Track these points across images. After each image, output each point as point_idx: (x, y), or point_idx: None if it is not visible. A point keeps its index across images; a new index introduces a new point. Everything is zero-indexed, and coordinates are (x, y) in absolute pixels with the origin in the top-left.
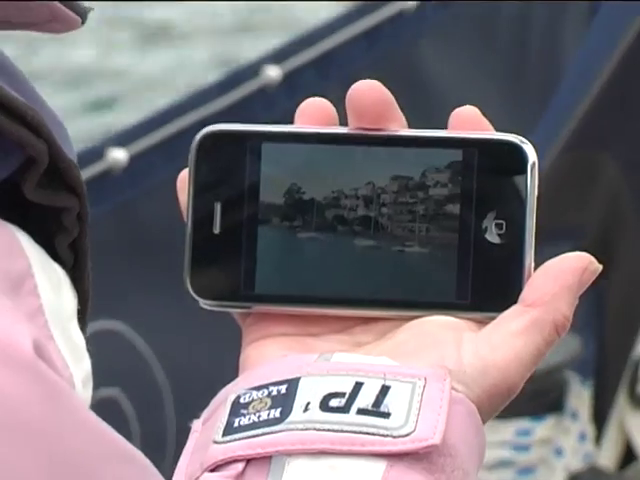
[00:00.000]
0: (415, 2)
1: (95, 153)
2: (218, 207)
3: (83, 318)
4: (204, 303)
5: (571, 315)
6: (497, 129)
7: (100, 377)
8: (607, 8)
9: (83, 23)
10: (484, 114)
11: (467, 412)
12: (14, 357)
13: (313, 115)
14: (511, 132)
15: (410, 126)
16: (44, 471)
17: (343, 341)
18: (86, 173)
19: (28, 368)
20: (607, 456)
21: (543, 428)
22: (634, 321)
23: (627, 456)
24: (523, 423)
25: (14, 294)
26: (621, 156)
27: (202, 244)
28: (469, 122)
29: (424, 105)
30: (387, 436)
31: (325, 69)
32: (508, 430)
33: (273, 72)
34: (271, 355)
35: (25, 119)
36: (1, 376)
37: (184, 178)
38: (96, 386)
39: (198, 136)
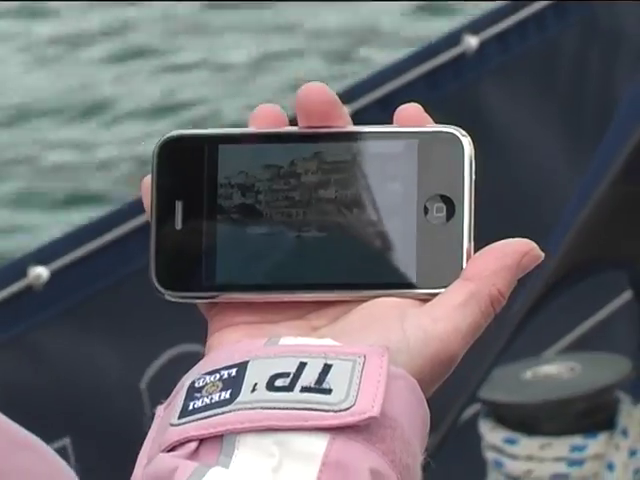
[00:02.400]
0: (477, 43)
1: None
2: (179, 205)
3: None
4: (170, 295)
5: (507, 293)
6: (555, 165)
7: None
8: None
9: None
10: (541, 150)
11: (407, 386)
12: None
13: (265, 118)
14: (568, 169)
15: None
16: None
17: (299, 326)
18: None
19: None
20: None
21: (596, 445)
22: None
23: None
24: (577, 440)
25: None
26: None
27: (165, 240)
28: (413, 118)
29: (485, 144)
30: (329, 411)
31: (389, 109)
32: (563, 446)
33: None
34: (230, 342)
35: None
36: None
37: (147, 182)
38: None
39: (158, 142)
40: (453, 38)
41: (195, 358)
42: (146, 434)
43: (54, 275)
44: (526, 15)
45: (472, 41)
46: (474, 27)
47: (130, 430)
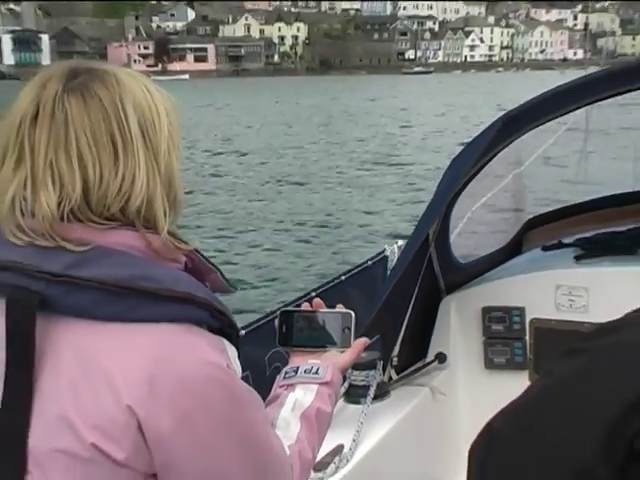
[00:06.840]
0: (345, 277)
1: None
2: (284, 325)
3: (239, 357)
4: (280, 346)
5: (361, 351)
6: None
7: None
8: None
9: (236, 290)
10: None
11: (337, 374)
12: (221, 367)
13: (305, 305)
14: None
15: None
16: (228, 399)
17: (314, 357)
18: None
19: (226, 371)
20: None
21: (372, 373)
22: (388, 353)
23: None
24: (367, 372)
25: (222, 354)
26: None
27: (281, 332)
28: (340, 307)
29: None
30: (319, 378)
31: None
32: (363, 374)
33: None
34: (295, 361)
35: (221, 313)
36: (221, 372)
37: (277, 317)
38: None
39: (279, 311)
40: (337, 277)
41: (283, 355)
42: (267, 379)
43: (246, 334)
44: (359, 269)
45: (343, 278)
46: (345, 273)
47: (261, 375)
